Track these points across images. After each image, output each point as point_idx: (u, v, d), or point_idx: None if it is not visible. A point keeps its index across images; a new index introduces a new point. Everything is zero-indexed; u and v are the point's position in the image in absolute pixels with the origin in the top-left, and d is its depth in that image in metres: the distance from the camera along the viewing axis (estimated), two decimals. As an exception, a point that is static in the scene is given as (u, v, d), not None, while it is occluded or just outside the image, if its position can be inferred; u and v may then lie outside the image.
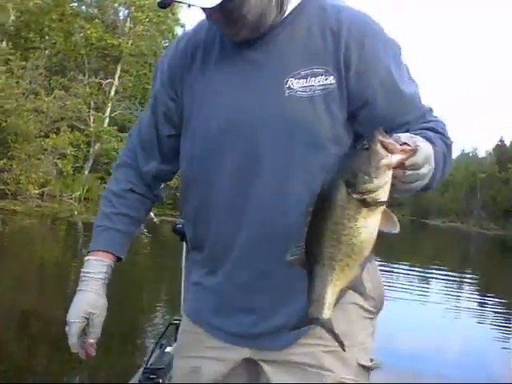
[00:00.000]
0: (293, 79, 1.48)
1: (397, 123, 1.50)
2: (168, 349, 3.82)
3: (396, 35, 1.60)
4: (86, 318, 1.64)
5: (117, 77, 29.76)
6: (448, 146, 1.50)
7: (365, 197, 1.20)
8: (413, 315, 10.39)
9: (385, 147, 1.20)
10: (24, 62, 24.03)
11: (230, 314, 1.61)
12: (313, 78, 1.48)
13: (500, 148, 75.71)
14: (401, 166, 1.22)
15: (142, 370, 3.59)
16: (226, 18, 1.46)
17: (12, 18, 27.74)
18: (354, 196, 1.21)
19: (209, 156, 1.58)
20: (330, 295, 1.27)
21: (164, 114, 1.72)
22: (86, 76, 28.76)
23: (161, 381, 3.46)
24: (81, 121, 26.83)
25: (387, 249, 25.48)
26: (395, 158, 1.20)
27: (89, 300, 1.66)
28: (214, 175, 1.57)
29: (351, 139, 1.53)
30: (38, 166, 22.37)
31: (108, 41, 27.79)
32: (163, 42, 33.09)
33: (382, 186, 1.20)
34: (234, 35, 1.52)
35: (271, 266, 1.50)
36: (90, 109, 27.67)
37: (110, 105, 29.36)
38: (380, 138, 1.20)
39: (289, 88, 1.48)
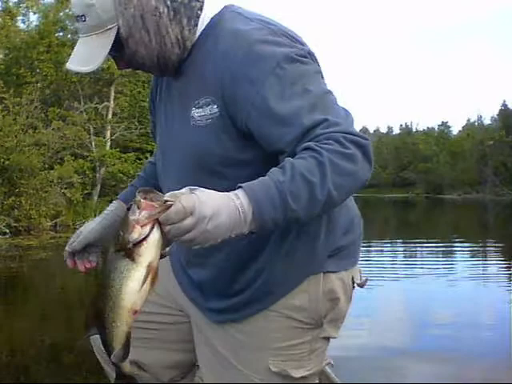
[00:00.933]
0: (194, 108, 1.62)
1: (278, 146, 1.53)
2: None
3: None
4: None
5: (112, 99, 29.79)
6: (329, 162, 1.39)
7: (125, 251, 1.30)
8: (440, 289, 10.39)
9: (137, 205, 1.30)
10: (18, 99, 24.06)
11: None
12: (206, 107, 1.60)
13: (504, 112, 75.36)
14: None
15: None
16: (130, 66, 1.68)
17: (0, 56, 27.83)
18: (120, 251, 1.31)
19: (160, 173, 1.93)
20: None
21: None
22: (82, 103, 28.79)
23: None
24: (83, 148, 26.83)
25: (408, 227, 25.50)
26: (142, 214, 1.28)
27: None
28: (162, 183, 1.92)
29: (263, 159, 1.60)
30: (47, 199, 22.36)
31: (98, 65, 27.82)
32: (153, 57, 33.19)
33: (134, 241, 1.28)
34: (153, 73, 1.80)
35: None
36: (90, 134, 27.67)
37: (109, 128, 29.37)
38: (137, 196, 1.31)
39: (192, 117, 1.63)
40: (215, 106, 1.58)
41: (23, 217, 21.52)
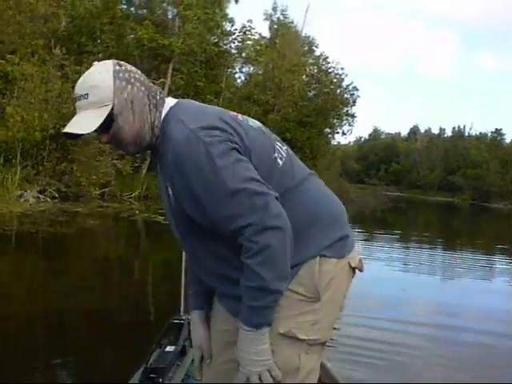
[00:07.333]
0: (168, 188, 2.09)
1: None
2: (168, 348, 3.90)
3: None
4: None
5: (169, 76, 29.96)
6: (249, 265, 1.96)
7: None
8: (477, 295, 10.39)
9: None
10: (78, 67, 24.39)
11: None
12: (168, 188, 2.09)
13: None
14: None
15: (142, 369, 3.65)
16: (111, 141, 2.08)
17: (64, 23, 28.22)
18: None
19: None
20: None
21: None
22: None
23: (161, 380, 3.51)
24: (137, 121, 27.16)
25: (449, 232, 25.27)
26: None
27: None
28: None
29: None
30: (98, 168, 22.84)
31: (159, 41, 27.95)
32: (212, 38, 33.27)
33: None
34: (125, 151, 2.17)
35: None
36: (144, 108, 27.97)
37: (163, 104, 29.52)
38: None
39: (168, 193, 2.10)
40: (170, 189, 2.08)
41: (73, 183, 22.02)
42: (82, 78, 2.09)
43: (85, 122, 2.02)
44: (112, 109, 2.02)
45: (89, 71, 2.10)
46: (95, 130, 2.01)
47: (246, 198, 1.95)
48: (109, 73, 2.05)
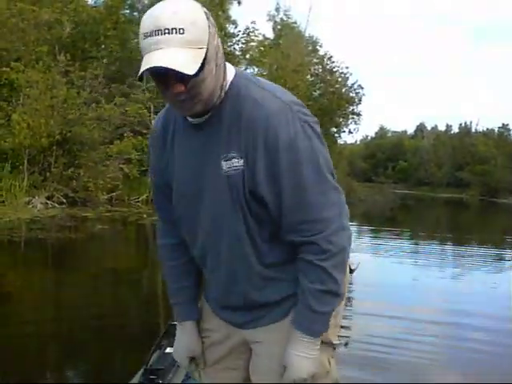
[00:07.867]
0: (223, 161, 1.86)
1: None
2: (168, 349, 3.88)
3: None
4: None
5: (174, 79, 29.89)
6: (324, 268, 1.87)
7: None
8: (487, 288, 10.44)
9: None
10: (83, 73, 24.43)
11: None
12: (232, 160, 1.85)
13: None
14: None
15: (141, 370, 3.65)
16: (187, 93, 1.75)
17: (67, 30, 28.24)
18: None
19: (180, 204, 2.07)
20: None
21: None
22: (145, 81, 28.88)
23: (161, 381, 3.51)
24: (142, 125, 27.13)
25: (461, 228, 25.22)
26: None
27: None
28: (189, 218, 2.06)
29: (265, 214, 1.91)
30: (105, 172, 22.81)
31: (162, 45, 27.87)
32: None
33: None
34: (188, 110, 1.84)
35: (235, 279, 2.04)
36: (150, 113, 28.03)
37: (169, 107, 29.54)
38: None
39: (220, 168, 1.87)
40: (242, 161, 1.84)
41: (81, 188, 22.02)
42: (165, 8, 1.71)
43: (183, 61, 1.68)
44: (205, 54, 1.73)
45: (174, 3, 1.73)
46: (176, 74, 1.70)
47: (331, 190, 1.89)
48: (201, 13, 1.75)
